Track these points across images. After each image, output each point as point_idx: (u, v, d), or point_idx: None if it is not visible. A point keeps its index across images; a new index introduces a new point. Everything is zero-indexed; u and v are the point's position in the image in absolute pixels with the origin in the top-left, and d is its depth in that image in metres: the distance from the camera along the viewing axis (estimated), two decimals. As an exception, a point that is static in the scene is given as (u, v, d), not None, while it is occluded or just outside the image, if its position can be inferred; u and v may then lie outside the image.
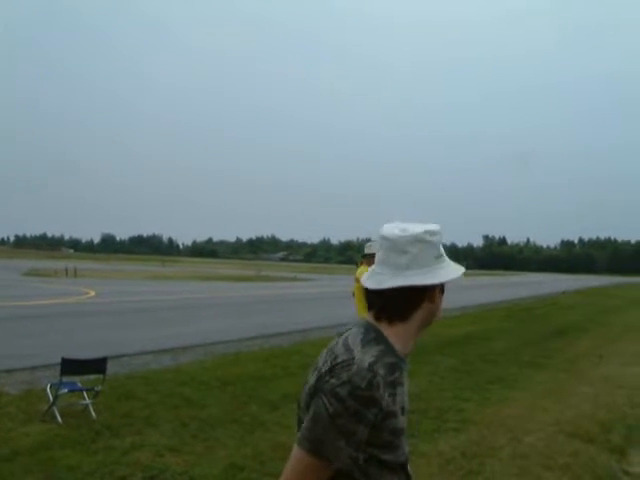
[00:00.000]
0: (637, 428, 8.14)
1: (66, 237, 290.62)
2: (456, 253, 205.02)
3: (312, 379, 1.84)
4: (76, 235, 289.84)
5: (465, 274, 2.04)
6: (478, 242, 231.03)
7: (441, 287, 1.95)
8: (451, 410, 8.77)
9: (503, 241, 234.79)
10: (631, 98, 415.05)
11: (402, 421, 1.83)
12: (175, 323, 19.13)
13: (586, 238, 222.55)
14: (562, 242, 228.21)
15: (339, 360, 1.77)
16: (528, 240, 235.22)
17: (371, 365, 1.73)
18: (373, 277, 1.92)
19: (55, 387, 7.90)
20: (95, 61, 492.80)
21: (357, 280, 9.46)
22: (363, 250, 9.57)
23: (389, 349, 1.83)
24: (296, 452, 1.76)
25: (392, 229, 1.92)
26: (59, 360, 7.96)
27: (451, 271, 1.94)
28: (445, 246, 1.93)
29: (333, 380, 1.74)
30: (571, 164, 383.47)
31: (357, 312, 9.60)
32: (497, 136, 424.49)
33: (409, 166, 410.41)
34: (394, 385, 1.78)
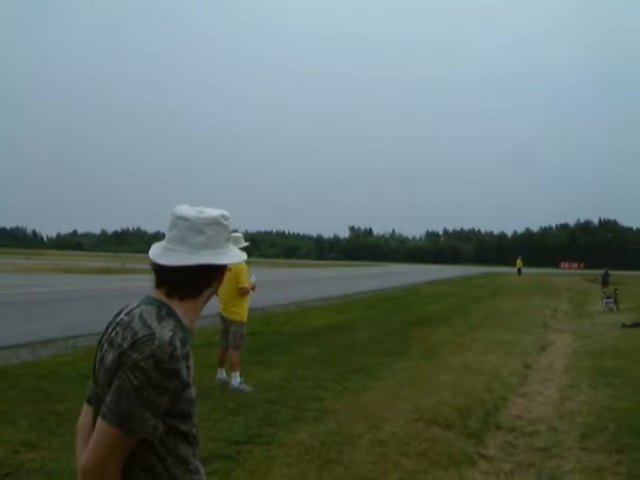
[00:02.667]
0: (494, 413, 8.44)
1: None
2: (322, 244, 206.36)
3: (111, 355, 1.96)
4: None
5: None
6: (344, 233, 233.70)
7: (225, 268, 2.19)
8: (311, 400, 8.81)
9: (369, 232, 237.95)
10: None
11: (194, 392, 2.03)
12: (36, 317, 18.11)
13: (450, 229, 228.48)
14: (427, 233, 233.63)
15: (140, 335, 1.92)
16: (393, 231, 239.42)
17: (171, 339, 1.92)
18: (167, 254, 2.08)
19: None
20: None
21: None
22: None
23: (180, 324, 2.01)
24: (103, 426, 1.86)
25: (189, 210, 2.11)
26: None
27: (238, 254, 2.22)
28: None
29: (136, 355, 1.89)
30: (431, 159, 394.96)
31: (221, 304, 9.46)
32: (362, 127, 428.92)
33: (271, 156, 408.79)
34: (188, 357, 1.97)
